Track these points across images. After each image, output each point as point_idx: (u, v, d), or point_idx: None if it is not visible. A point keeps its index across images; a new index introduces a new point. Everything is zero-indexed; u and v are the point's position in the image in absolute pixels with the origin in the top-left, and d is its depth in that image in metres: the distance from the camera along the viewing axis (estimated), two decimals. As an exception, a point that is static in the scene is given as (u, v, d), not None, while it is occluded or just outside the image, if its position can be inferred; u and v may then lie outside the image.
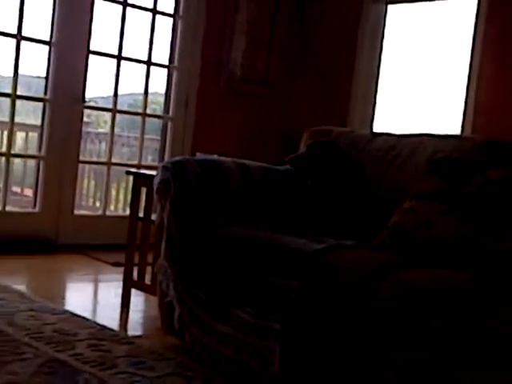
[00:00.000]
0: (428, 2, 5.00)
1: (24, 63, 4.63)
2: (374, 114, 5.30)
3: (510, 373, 1.85)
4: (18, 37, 4.51)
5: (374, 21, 5.24)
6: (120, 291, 3.38)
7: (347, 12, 5.29)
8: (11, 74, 4.56)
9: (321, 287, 2.30)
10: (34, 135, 5.85)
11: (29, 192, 5.84)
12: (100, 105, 5.33)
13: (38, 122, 4.91)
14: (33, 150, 5.36)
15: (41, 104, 4.84)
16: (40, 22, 4.82)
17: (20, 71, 4.60)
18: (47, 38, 4.67)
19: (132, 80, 5.45)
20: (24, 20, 4.51)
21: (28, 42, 4.59)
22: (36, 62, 4.95)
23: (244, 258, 2.51)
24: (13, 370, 2.28)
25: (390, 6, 5.25)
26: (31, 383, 2.18)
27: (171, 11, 5.24)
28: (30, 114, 6.91)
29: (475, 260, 2.25)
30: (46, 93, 4.75)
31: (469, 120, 4.55)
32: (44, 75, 4.77)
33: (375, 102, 5.30)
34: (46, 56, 4.71)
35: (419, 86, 5.16)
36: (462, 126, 4.60)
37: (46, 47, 4.69)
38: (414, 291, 2.08)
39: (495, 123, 4.33)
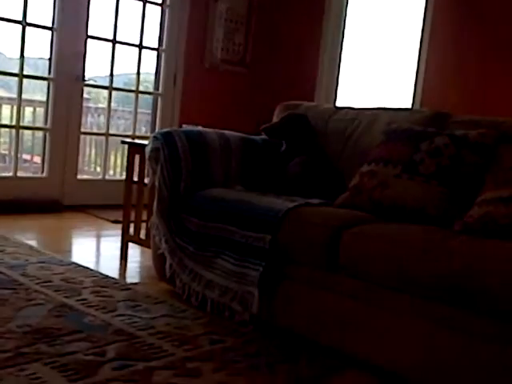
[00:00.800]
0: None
1: (30, 47, 4.51)
2: (337, 90, 5.26)
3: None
4: (24, 23, 4.38)
5: (337, 7, 5.16)
6: (119, 245, 3.35)
7: (314, 0, 5.20)
8: (18, 56, 4.44)
9: (292, 239, 2.29)
10: (40, 110, 5.71)
11: (38, 159, 5.73)
12: (99, 83, 5.20)
13: (45, 99, 4.81)
14: (40, 123, 5.24)
15: (46, 82, 4.73)
16: (43, 10, 4.68)
17: (27, 54, 4.48)
18: (50, 24, 4.54)
19: (127, 61, 5.32)
20: (28, 8, 4.37)
21: (32, 28, 4.46)
22: (41, 45, 4.82)
23: (225, 214, 2.49)
24: (26, 314, 2.26)
25: (350, -4, 5.18)
26: (43, 325, 2.16)
27: (159, 1, 5.12)
28: (37, 91, 6.74)
29: (424, 215, 2.25)
30: (49, 72, 4.63)
31: (418, 95, 4.54)
32: (47, 57, 4.65)
33: (338, 80, 5.25)
34: (49, 40, 4.58)
35: (376, 66, 5.12)
36: (413, 100, 4.58)
37: (49, 32, 4.56)
38: (371, 241, 2.08)
39: (441, 98, 4.32)
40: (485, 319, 1.80)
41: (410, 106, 4.51)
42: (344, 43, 5.22)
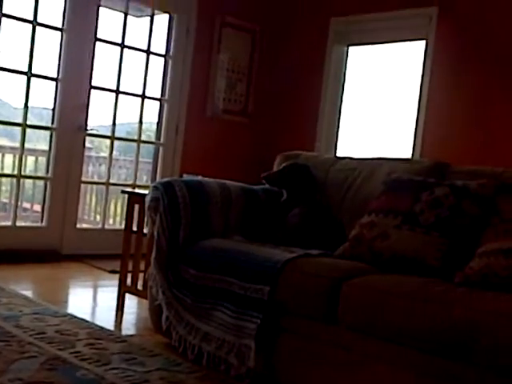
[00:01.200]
0: (383, 45, 5.04)
1: (35, 97, 4.59)
2: (337, 140, 5.31)
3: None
4: (29, 74, 4.46)
5: (337, 60, 5.26)
6: (115, 295, 3.32)
7: (314, 52, 5.31)
8: (23, 106, 4.51)
9: (291, 290, 2.27)
10: (43, 159, 5.77)
11: (38, 207, 5.75)
12: (102, 132, 5.26)
13: (47, 148, 4.85)
14: (42, 172, 5.28)
15: (49, 132, 4.78)
16: (48, 61, 4.78)
17: (31, 104, 4.56)
18: (54, 75, 4.63)
19: (129, 111, 5.40)
20: (34, 59, 4.47)
21: (37, 79, 4.55)
22: (45, 95, 4.90)
23: (223, 265, 2.47)
24: (18, 367, 2.22)
25: (350, 48, 5.28)
26: (34, 379, 2.12)
27: (163, 52, 5.23)
28: (40, 140, 6.82)
29: (425, 266, 2.23)
30: (53, 122, 4.70)
31: (418, 145, 4.57)
32: (51, 107, 4.72)
33: (338, 131, 5.31)
34: (53, 90, 4.66)
35: (376, 116, 5.18)
36: (413, 151, 4.61)
37: (53, 83, 4.64)
38: (371, 293, 2.06)
39: (440, 148, 4.35)
40: (484, 374, 1.76)
41: (409, 157, 4.54)
42: (344, 94, 5.30)
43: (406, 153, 4.66)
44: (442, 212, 2.32)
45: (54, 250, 4.61)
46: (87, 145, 5.11)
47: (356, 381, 2.06)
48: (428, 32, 4.60)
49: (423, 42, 4.66)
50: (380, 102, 5.14)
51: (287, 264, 2.32)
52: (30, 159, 6.21)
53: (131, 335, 2.86)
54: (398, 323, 1.95)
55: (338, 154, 4.73)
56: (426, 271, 2.20)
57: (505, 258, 1.97)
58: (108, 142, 5.12)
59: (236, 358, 2.31)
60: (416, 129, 4.62)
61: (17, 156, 4.69)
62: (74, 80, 4.66)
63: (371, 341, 2.03)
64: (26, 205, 6.34)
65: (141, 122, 5.13)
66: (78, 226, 5.00)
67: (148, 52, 5.08)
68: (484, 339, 1.74)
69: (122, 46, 4.91)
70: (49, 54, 4.82)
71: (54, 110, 4.69)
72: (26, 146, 4.68)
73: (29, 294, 3.42)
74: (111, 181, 5.14)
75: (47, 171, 4.75)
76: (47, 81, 4.63)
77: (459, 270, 2.08)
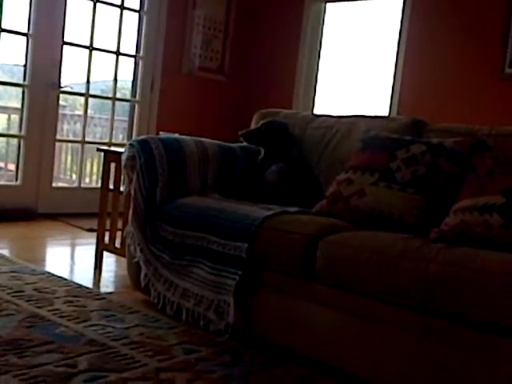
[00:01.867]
0: (361, 1, 4.98)
1: (5, 53, 4.47)
2: (314, 98, 5.28)
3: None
4: (-2, 29, 4.34)
5: (315, 17, 5.20)
6: (93, 254, 3.30)
7: (292, 9, 5.23)
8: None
9: (269, 247, 2.28)
10: (15, 117, 5.64)
11: (12, 166, 5.65)
12: (76, 90, 5.14)
13: (20, 105, 4.74)
14: (15, 130, 5.17)
15: (21, 89, 4.67)
16: (18, 16, 4.63)
17: (2, 60, 4.43)
18: (25, 30, 4.49)
19: (104, 68, 5.28)
20: (3, 14, 4.32)
21: (8, 34, 4.41)
22: (16, 51, 4.76)
23: (201, 223, 2.47)
24: (-4, 324, 2.21)
25: (328, 4, 5.21)
26: (13, 336, 2.11)
27: (137, 7, 5.10)
28: (12, 98, 6.66)
29: (401, 223, 2.25)
30: (25, 79, 4.58)
31: (395, 103, 4.57)
32: (23, 63, 4.59)
33: (316, 89, 5.28)
34: (25, 46, 4.53)
35: (353, 74, 5.16)
36: (390, 108, 4.61)
37: (25, 38, 4.51)
38: (347, 249, 2.07)
39: (417, 105, 4.36)
40: (459, 328, 1.80)
41: (387, 114, 4.54)
42: (321, 51, 5.25)
43: (383, 110, 4.67)
44: (418, 169, 2.33)
45: (30, 208, 4.56)
46: (61, 102, 5.01)
47: (333, 335, 2.09)
48: (406, -12, 4.55)
49: (401, -2, 4.63)
50: (358, 59, 5.11)
51: (265, 221, 2.32)
52: (3, 117, 6.08)
53: (110, 292, 2.86)
54: (373, 279, 1.97)
55: (316, 112, 4.71)
56: (402, 228, 2.22)
57: (479, 214, 1.99)
58: (82, 99, 5.03)
59: (215, 313, 2.32)
60: (393, 86, 4.62)
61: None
62: (46, 35, 4.54)
63: (348, 296, 2.05)
64: (0, 164, 6.23)
65: (115, 79, 5.03)
66: (54, 184, 4.94)
67: (122, 7, 4.96)
68: (459, 294, 1.77)
69: (95, 0, 4.77)
70: (19, 7, 4.67)
71: (25, 66, 4.57)
72: (-2, 103, 4.57)
73: (5, 252, 3.38)
74: (87, 139, 5.07)
75: (20, 129, 4.65)
76: (18, 36, 4.50)
77: (435, 226, 2.10)
